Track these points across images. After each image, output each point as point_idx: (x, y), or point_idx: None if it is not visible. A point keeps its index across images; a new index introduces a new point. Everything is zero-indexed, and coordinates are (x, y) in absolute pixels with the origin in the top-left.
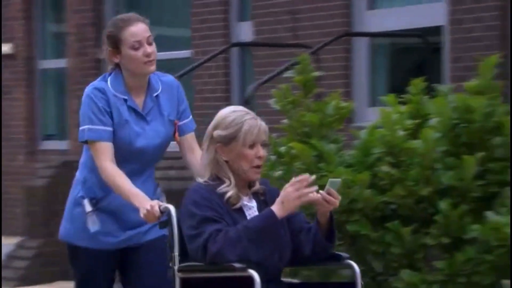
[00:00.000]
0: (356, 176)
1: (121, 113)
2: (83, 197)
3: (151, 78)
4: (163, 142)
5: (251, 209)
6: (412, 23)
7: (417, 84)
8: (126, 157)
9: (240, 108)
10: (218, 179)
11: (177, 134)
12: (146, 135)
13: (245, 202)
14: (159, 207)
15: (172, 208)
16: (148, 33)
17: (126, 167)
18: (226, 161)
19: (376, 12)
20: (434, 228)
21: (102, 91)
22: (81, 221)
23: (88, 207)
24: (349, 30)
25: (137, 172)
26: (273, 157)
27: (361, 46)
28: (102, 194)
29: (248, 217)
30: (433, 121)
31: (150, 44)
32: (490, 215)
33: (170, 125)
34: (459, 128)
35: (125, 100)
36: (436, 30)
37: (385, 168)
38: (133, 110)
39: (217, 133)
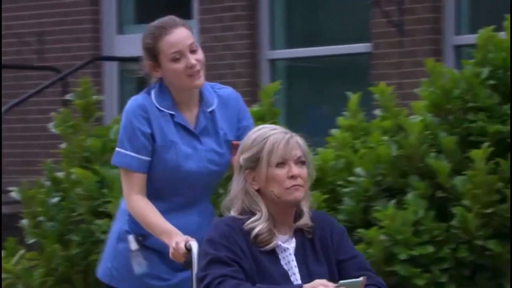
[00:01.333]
0: None
1: (165, 132)
2: (128, 232)
3: (205, 90)
4: (219, 165)
5: (286, 251)
6: None
7: None
8: (175, 184)
9: (270, 125)
10: (250, 213)
11: (234, 157)
12: (199, 157)
13: (280, 242)
14: (185, 244)
15: (194, 244)
16: (190, 40)
17: (176, 196)
18: (258, 190)
19: (126, 37)
20: None
21: (143, 108)
22: (125, 259)
23: (133, 245)
24: (98, 54)
25: (190, 202)
26: (47, 183)
27: (111, 71)
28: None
29: (282, 261)
30: None
31: (194, 52)
32: None
33: (226, 145)
34: None
35: (172, 116)
36: None
37: None
38: (181, 127)
39: (242, 157)
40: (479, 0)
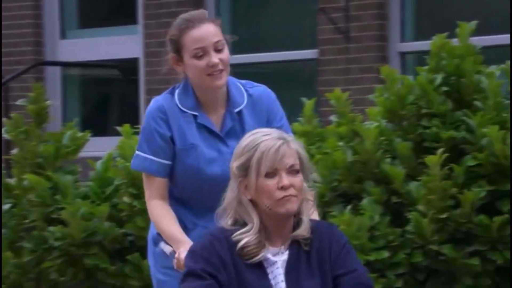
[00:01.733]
0: (95, 208)
1: (186, 135)
2: (159, 236)
3: (232, 89)
4: None
5: (274, 264)
6: (108, 54)
7: None
8: (199, 189)
9: (266, 130)
10: (244, 224)
11: None
12: (224, 160)
13: (269, 255)
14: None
15: None
16: (216, 38)
17: (202, 202)
18: (251, 200)
19: (69, 42)
20: None
21: (162, 110)
22: (166, 260)
23: (166, 249)
24: (41, 59)
25: (215, 208)
26: None
27: (54, 76)
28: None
29: (270, 275)
30: None
31: (219, 51)
32: None
33: None
34: None
35: (195, 117)
36: (132, 62)
37: (126, 199)
38: (205, 129)
39: (234, 165)
40: (423, 8)
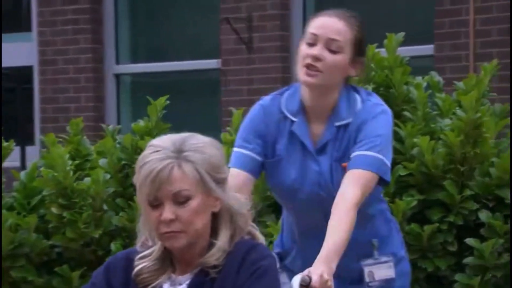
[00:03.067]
0: (22, 219)
1: (277, 144)
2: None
3: (343, 100)
4: (335, 190)
5: None
6: (2, 62)
7: (76, 124)
8: (290, 208)
9: (162, 141)
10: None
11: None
12: (308, 180)
13: (165, 285)
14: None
15: (295, 280)
16: (335, 36)
17: (299, 221)
18: None
19: None
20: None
21: (265, 111)
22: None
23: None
24: None
25: (312, 229)
26: None
27: None
28: (287, 247)
29: None
30: (102, 161)
31: (331, 51)
32: None
33: (342, 170)
34: (128, 169)
35: (292, 124)
36: (26, 70)
37: (54, 210)
38: (298, 140)
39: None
40: None
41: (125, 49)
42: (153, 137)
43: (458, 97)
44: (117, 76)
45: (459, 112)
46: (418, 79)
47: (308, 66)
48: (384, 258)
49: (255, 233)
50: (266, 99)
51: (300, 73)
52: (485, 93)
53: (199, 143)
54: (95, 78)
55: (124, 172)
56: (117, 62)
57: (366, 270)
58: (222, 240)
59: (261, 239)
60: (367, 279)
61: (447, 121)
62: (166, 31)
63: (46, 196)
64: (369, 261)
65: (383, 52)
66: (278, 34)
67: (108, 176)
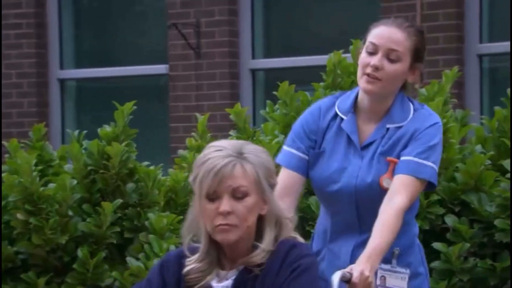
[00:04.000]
0: None
1: (323, 139)
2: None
3: (397, 104)
4: (371, 184)
5: None
6: None
7: (39, 129)
8: (328, 201)
9: (222, 143)
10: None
11: (385, 176)
12: (351, 173)
13: (213, 282)
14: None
15: (335, 276)
16: (395, 46)
17: (336, 215)
18: None
19: None
20: (70, 277)
21: (317, 111)
22: None
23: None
24: None
25: (350, 226)
26: None
27: None
28: (319, 246)
29: None
30: (68, 167)
31: (390, 60)
32: (130, 260)
33: (385, 164)
34: (94, 174)
35: (341, 121)
36: None
37: (20, 216)
38: (345, 135)
39: (189, 177)
40: (273, 26)
41: (70, 54)
42: (120, 142)
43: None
44: (62, 81)
45: None
46: None
47: (368, 75)
48: (400, 269)
49: (295, 236)
50: (325, 100)
51: (361, 80)
52: (447, 99)
53: (257, 148)
54: (38, 83)
55: (90, 178)
56: (61, 67)
57: (380, 274)
58: (266, 243)
59: (302, 240)
60: (378, 281)
61: None
62: (113, 36)
63: (11, 202)
64: (386, 266)
65: (349, 58)
66: (227, 40)
67: (75, 181)
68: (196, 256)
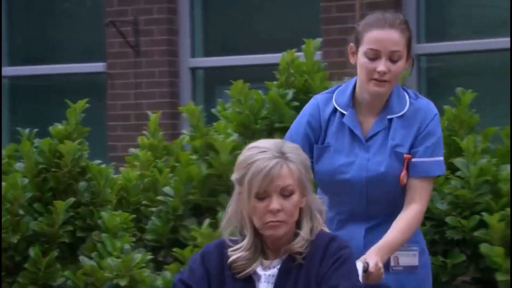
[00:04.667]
0: None
1: (326, 135)
2: None
3: (395, 96)
4: (382, 178)
5: (261, 278)
6: None
7: None
8: (334, 192)
9: (264, 143)
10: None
11: (404, 174)
12: (358, 166)
13: (258, 269)
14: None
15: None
16: (395, 47)
17: (343, 205)
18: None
19: None
20: (21, 277)
21: (316, 108)
22: None
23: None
24: None
25: (356, 216)
26: None
27: None
28: None
29: None
30: (19, 165)
31: (393, 61)
32: (83, 259)
33: (396, 157)
34: (46, 173)
35: (342, 116)
36: None
37: None
38: (349, 130)
39: (233, 177)
40: (212, 25)
41: (4, 51)
42: (73, 140)
43: None
44: None
45: None
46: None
47: (375, 78)
48: (410, 247)
49: (325, 228)
50: (319, 96)
51: (368, 84)
52: None
53: (294, 147)
54: None
55: (42, 176)
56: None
57: (393, 255)
58: (305, 231)
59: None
60: (392, 262)
61: None
62: (49, 33)
63: None
64: None
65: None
66: (166, 39)
67: (26, 180)
68: (241, 246)
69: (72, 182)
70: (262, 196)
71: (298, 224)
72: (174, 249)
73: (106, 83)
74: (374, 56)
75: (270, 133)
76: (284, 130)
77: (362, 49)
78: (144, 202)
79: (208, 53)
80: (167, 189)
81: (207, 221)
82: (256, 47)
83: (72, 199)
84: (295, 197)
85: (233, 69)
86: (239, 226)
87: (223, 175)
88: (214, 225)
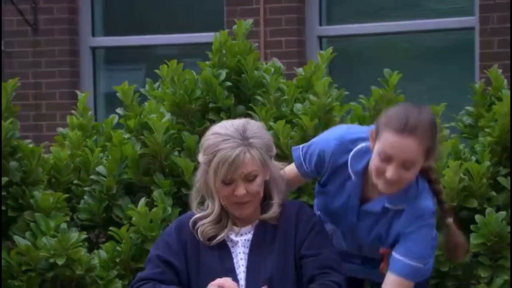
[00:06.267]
0: None
1: (329, 179)
2: None
3: (406, 188)
4: (369, 243)
5: (236, 244)
6: None
7: None
8: (332, 218)
9: (229, 127)
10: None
11: (383, 265)
12: (350, 222)
13: (232, 236)
14: None
15: None
16: (408, 157)
17: (339, 223)
18: None
19: None
20: None
21: (338, 150)
22: None
23: None
24: None
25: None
26: None
27: None
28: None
29: (233, 255)
30: None
31: (405, 167)
32: (17, 239)
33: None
34: None
35: (349, 178)
36: None
37: None
38: (348, 191)
39: (199, 157)
40: (114, 5)
41: None
42: (4, 120)
43: (298, 82)
44: None
45: (311, 97)
46: (268, 65)
47: (386, 181)
48: None
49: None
50: (343, 141)
51: (378, 182)
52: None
53: (257, 127)
54: None
55: None
56: None
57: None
58: (277, 199)
59: None
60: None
61: (298, 105)
62: None
63: None
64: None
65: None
66: (66, 17)
67: None
68: (209, 213)
69: (3, 161)
70: (227, 182)
71: (268, 194)
72: (111, 228)
73: (3, 62)
74: (386, 159)
75: (204, 113)
76: (218, 110)
77: (378, 144)
78: (75, 181)
79: (109, 33)
80: (100, 169)
81: (143, 200)
82: (159, 26)
83: (5, 179)
84: (259, 179)
85: (134, 49)
86: (206, 196)
87: (157, 155)
88: (150, 204)
